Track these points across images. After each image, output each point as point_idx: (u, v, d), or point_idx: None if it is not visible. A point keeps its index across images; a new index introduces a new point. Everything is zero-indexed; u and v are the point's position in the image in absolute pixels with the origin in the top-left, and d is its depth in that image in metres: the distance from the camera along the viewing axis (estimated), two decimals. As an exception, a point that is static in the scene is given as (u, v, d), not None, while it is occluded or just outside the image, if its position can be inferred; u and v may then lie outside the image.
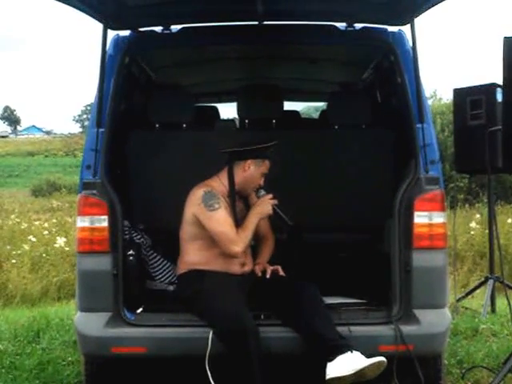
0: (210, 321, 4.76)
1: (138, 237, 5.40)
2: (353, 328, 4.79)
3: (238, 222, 5.11)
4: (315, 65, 6.68)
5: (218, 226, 5.01)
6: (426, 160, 4.91)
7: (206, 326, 4.74)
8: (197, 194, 5.07)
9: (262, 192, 5.20)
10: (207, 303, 4.83)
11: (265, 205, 5.13)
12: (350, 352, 4.62)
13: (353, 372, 4.55)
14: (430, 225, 4.86)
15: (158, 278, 5.52)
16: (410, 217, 4.86)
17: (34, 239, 13.13)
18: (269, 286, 5.07)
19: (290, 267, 5.38)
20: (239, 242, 5.01)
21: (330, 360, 4.63)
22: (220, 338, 4.67)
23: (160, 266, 5.53)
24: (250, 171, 5.18)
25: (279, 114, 6.01)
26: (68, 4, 4.45)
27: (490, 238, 8.64)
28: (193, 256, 5.11)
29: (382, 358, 4.61)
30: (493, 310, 8.24)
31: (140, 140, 5.69)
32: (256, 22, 5.28)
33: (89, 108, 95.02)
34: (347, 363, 4.58)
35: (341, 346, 4.65)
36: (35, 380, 5.90)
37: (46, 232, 14.47)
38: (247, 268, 5.17)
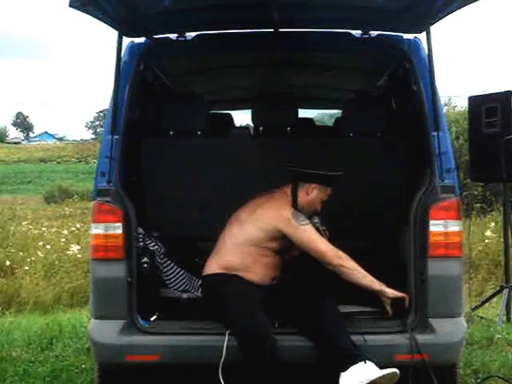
0: (230, 326, 4.75)
1: (152, 244, 5.39)
2: (368, 337, 4.76)
3: None
4: (330, 72, 6.66)
5: (313, 241, 5.02)
6: (442, 168, 4.88)
7: (220, 334, 4.71)
8: (284, 214, 5.04)
9: (316, 220, 5.18)
10: (228, 308, 4.83)
11: None
12: (363, 362, 4.61)
13: (365, 383, 4.54)
14: (446, 233, 4.82)
15: (171, 285, 5.50)
16: (426, 225, 4.82)
17: (47, 246, 13.16)
18: (284, 294, 5.05)
19: (304, 276, 5.35)
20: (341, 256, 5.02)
21: (344, 370, 4.62)
22: (238, 343, 4.66)
23: (174, 274, 5.51)
24: (313, 195, 5.18)
25: (294, 122, 5.99)
26: (83, 11, 4.43)
27: (505, 246, 8.59)
28: (237, 259, 5.05)
29: (395, 370, 4.59)
30: (508, 319, 8.19)
31: (154, 147, 5.68)
32: (271, 30, 5.27)
33: (101, 114, 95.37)
34: (360, 374, 4.58)
35: (354, 356, 4.64)
36: (48, 387, 5.90)
37: (58, 239, 14.49)
38: (275, 282, 5.17)
